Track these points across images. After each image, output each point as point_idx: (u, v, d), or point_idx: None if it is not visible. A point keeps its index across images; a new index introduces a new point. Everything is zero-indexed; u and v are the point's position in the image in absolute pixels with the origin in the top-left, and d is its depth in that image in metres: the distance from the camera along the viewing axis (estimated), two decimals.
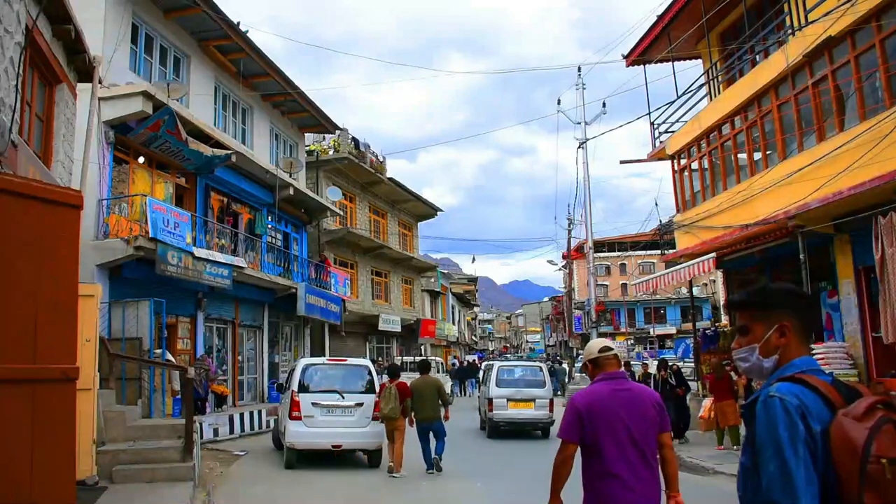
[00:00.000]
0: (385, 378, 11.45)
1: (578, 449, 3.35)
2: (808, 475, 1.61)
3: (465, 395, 31.61)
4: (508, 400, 14.67)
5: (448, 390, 18.21)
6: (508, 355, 76.18)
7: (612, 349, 3.53)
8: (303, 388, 10.62)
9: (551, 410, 14.81)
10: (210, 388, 14.21)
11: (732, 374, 12.72)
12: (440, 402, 10.45)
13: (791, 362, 1.85)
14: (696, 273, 14.85)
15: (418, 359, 21.24)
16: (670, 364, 15.12)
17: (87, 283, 8.58)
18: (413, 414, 10.29)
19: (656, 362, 24.43)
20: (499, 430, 14.84)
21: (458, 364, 37.43)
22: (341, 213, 24.69)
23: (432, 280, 38.02)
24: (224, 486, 8.95)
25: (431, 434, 10.33)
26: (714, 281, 47.83)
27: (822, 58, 11.75)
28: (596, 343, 3.64)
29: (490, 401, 14.85)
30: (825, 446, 1.63)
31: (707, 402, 12.67)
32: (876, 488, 1.54)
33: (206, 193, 16.37)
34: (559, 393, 29.44)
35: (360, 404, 10.64)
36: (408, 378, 11.76)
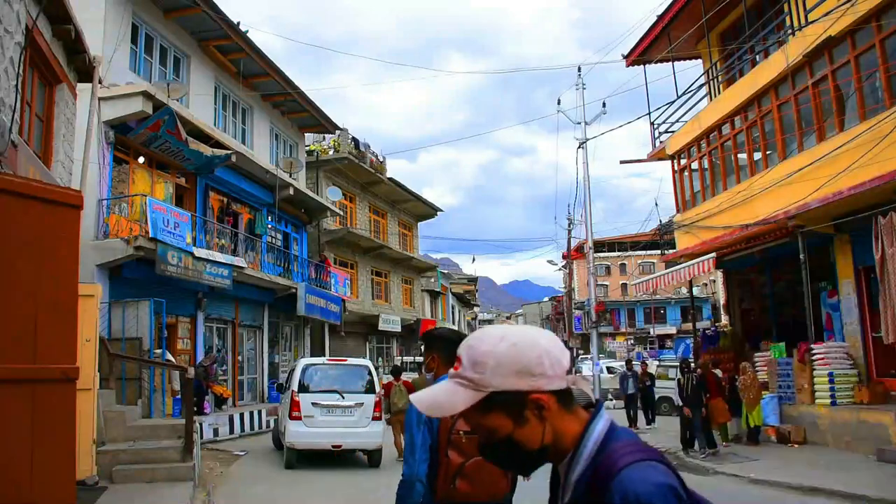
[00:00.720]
0: (383, 377, 12.01)
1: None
2: (423, 441, 2.72)
3: None
4: None
5: None
6: None
7: None
8: (303, 388, 10.62)
9: None
10: (210, 388, 14.19)
11: (717, 371, 12.89)
12: None
13: (438, 378, 2.90)
14: (696, 273, 14.85)
15: (419, 359, 21.48)
16: (696, 367, 13.23)
17: (87, 283, 8.58)
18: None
19: (654, 363, 24.08)
20: None
21: None
22: (341, 213, 24.70)
23: (432, 280, 38.01)
24: (224, 486, 8.95)
25: None
26: (714, 281, 47.81)
27: (822, 58, 11.75)
28: None
29: None
30: (438, 425, 2.75)
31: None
32: (455, 448, 2.68)
33: (205, 193, 16.37)
34: None
35: (360, 404, 10.64)
36: (408, 377, 12.48)
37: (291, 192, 18.80)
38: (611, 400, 22.24)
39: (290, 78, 19.42)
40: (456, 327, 46.57)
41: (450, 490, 2.69)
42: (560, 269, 49.27)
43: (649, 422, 16.37)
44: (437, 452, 2.72)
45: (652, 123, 17.28)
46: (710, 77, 16.10)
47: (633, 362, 20.13)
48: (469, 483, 2.66)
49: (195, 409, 13.25)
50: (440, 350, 3.01)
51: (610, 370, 25.01)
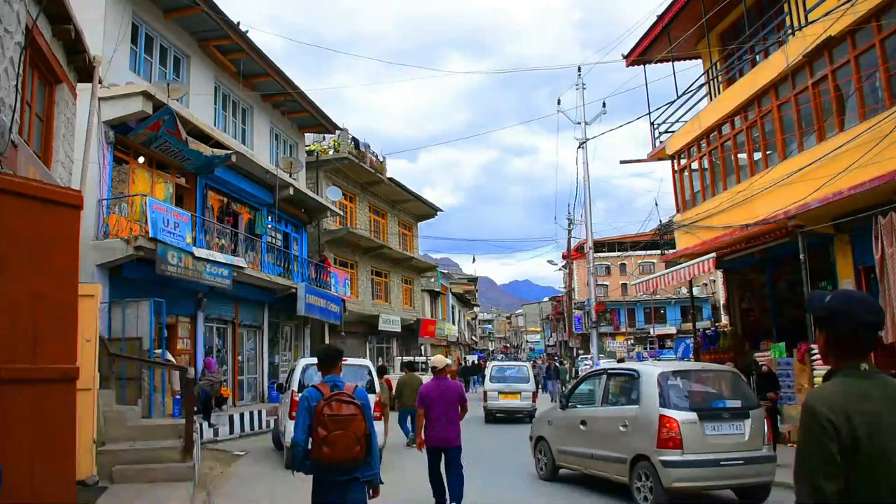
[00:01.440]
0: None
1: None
2: (304, 420, 4.15)
3: (468, 390, 31.97)
4: (500, 393, 17.98)
5: None
6: (498, 356, 77.39)
7: (437, 367, 7.55)
8: (303, 388, 10.60)
9: (534, 401, 18.07)
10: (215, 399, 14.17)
11: None
12: None
13: (324, 378, 4.45)
14: (696, 273, 14.84)
15: (405, 359, 22.07)
16: (761, 365, 12.12)
17: (87, 283, 8.57)
18: (398, 400, 13.67)
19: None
20: (493, 417, 18.24)
21: (464, 364, 40.74)
22: (341, 213, 24.69)
23: (432, 280, 38.02)
24: (224, 486, 8.95)
25: (409, 417, 13.19)
26: (714, 281, 47.81)
27: (822, 58, 11.75)
28: (432, 361, 7.68)
29: (485, 393, 18.33)
30: (315, 409, 4.12)
31: None
32: (322, 426, 4.02)
33: (205, 193, 16.37)
34: (563, 391, 29.50)
35: None
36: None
37: (291, 192, 18.80)
38: None
39: (290, 78, 19.42)
40: (456, 327, 46.63)
41: (319, 453, 4.08)
42: (560, 269, 49.29)
43: None
44: (314, 428, 4.13)
45: (652, 123, 17.27)
46: (710, 77, 16.10)
47: (627, 361, 19.89)
48: (331, 449, 4.05)
49: (206, 419, 13.30)
50: (321, 362, 4.62)
51: None
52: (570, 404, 9.21)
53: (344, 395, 4.24)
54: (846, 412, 1.87)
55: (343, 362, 12.53)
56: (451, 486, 7.17)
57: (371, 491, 4.45)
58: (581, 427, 8.55)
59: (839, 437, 1.85)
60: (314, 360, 12.35)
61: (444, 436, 7.17)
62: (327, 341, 22.97)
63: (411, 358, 24.47)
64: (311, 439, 4.17)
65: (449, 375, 7.99)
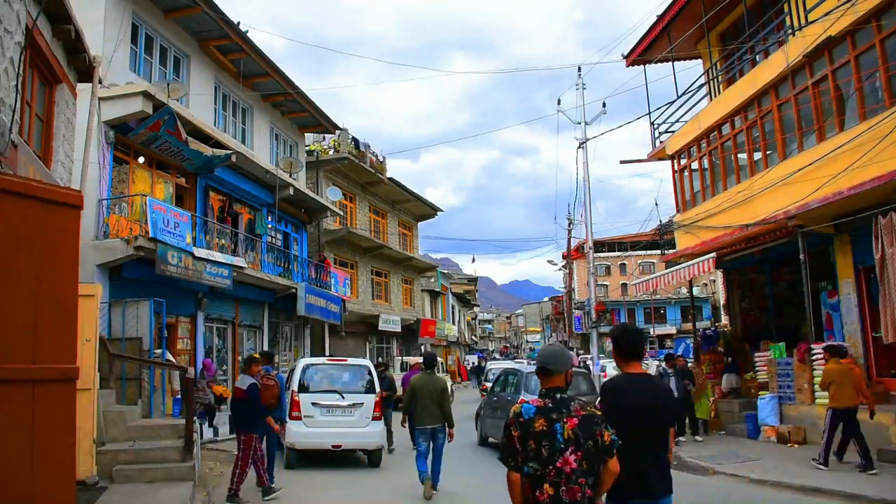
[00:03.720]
0: None
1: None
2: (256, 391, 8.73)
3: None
4: None
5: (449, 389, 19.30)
6: (496, 355, 76.82)
7: (409, 363, 17.38)
8: (303, 388, 10.62)
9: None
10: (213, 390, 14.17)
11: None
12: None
13: (264, 367, 9.39)
14: (696, 273, 14.84)
15: (418, 358, 22.24)
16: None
17: (87, 283, 8.58)
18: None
19: (654, 362, 23.93)
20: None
21: (474, 363, 45.07)
22: (341, 213, 24.69)
23: (432, 280, 38.02)
24: (224, 487, 8.94)
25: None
26: (714, 281, 47.82)
27: (822, 58, 11.75)
28: (408, 360, 18.79)
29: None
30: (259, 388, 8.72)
31: None
32: (263, 391, 8.77)
33: (206, 193, 16.37)
34: None
35: (360, 404, 10.64)
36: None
37: (291, 192, 18.80)
38: None
39: (291, 78, 19.42)
40: (456, 327, 46.69)
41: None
42: (560, 270, 49.29)
43: (689, 430, 12.82)
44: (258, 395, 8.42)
45: (652, 123, 17.26)
46: (710, 77, 16.09)
47: (681, 356, 14.91)
48: (267, 398, 8.67)
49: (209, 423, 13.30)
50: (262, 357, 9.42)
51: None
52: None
53: (270, 375, 8.90)
54: (415, 383, 8.60)
55: (342, 362, 13.03)
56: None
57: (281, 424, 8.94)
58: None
59: (413, 390, 8.54)
60: (315, 361, 12.48)
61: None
62: (327, 342, 23.01)
63: (380, 358, 25.56)
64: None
65: (419, 369, 10.67)
